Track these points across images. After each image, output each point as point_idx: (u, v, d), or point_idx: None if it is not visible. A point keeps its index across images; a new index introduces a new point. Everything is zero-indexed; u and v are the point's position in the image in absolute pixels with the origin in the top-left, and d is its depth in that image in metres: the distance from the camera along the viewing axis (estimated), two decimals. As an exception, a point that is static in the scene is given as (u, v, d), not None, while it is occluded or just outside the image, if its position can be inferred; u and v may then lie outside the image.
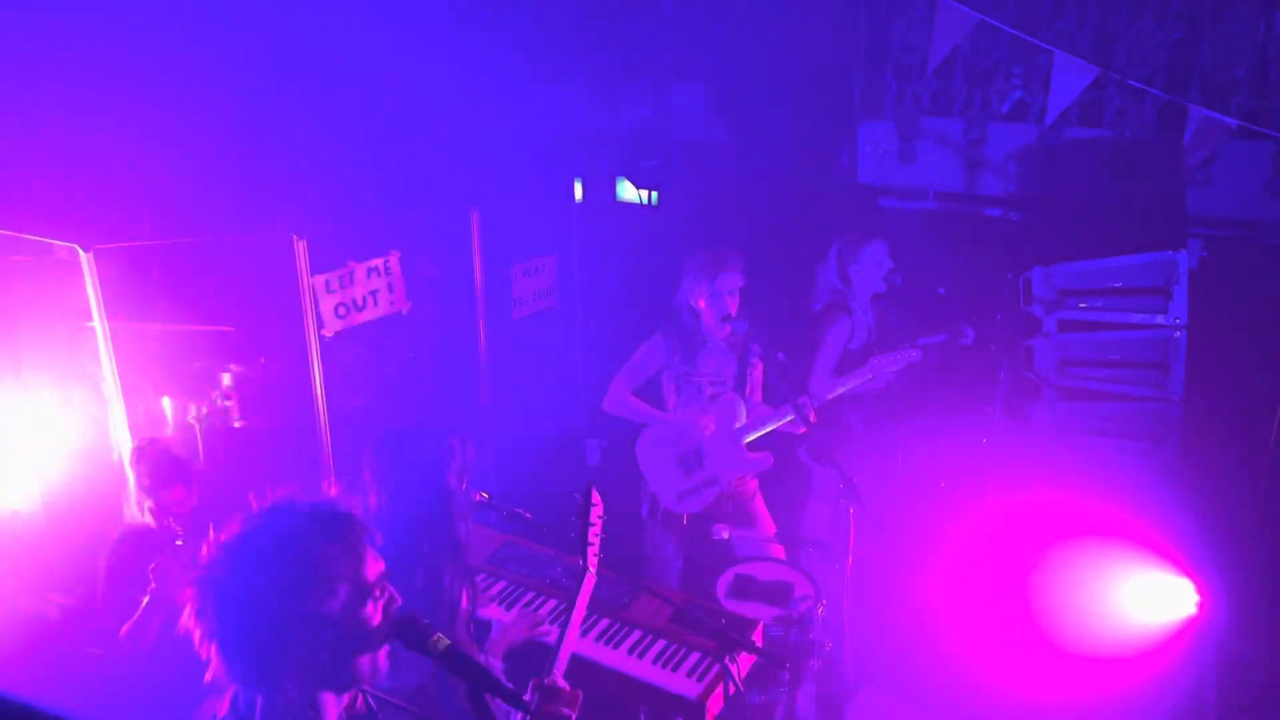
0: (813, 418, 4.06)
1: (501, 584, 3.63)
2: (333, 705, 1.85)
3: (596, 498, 2.80)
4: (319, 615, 1.78)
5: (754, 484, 4.39)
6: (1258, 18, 4.68)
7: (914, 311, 4.93)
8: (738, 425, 4.20)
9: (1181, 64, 4.88)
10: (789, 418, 4.09)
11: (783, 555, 4.30)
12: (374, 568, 1.87)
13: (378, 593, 1.86)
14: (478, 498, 3.24)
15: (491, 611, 3.47)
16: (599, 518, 2.80)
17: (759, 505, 4.40)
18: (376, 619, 1.86)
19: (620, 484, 4.27)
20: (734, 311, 4.07)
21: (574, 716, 2.25)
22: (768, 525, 4.37)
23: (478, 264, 5.54)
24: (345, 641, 1.81)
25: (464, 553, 2.78)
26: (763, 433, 4.21)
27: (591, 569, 2.70)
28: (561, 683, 2.31)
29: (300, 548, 1.80)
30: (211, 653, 1.75)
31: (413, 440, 2.84)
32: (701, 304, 4.07)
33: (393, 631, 1.93)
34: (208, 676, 1.77)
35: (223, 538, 1.81)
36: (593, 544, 2.74)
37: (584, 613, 2.66)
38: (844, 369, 4.49)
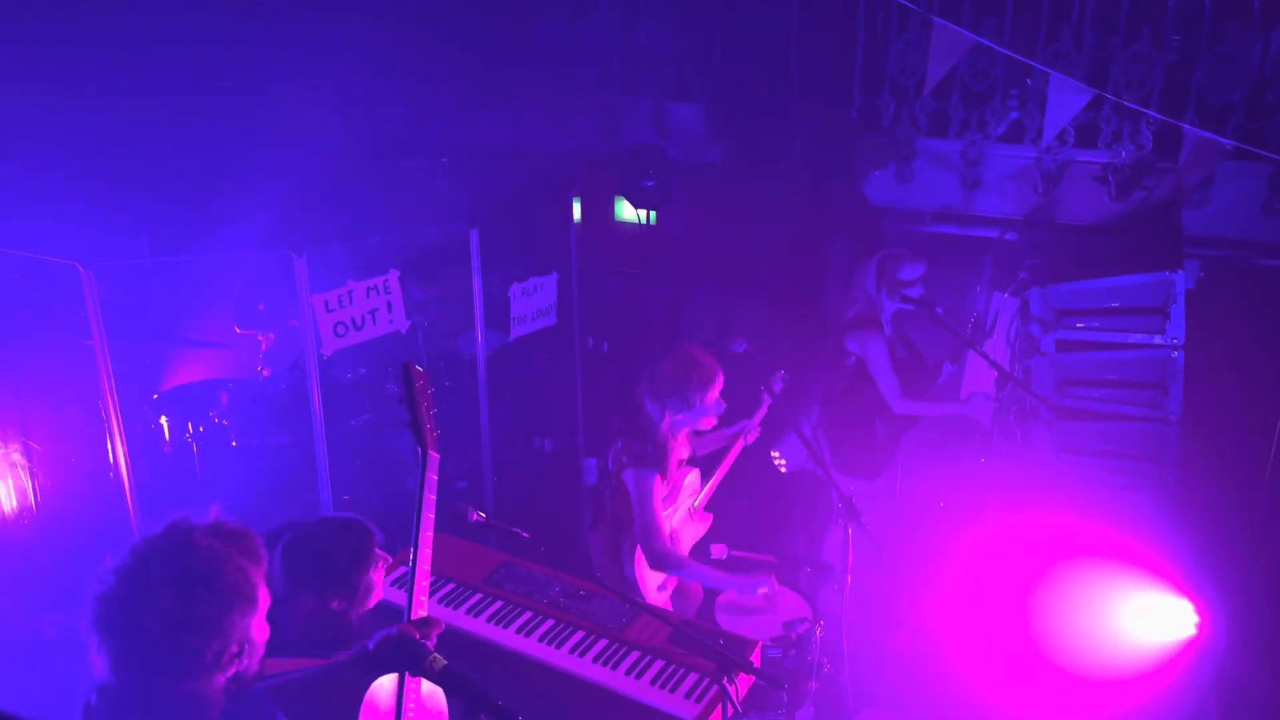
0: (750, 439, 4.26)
1: (499, 603, 3.62)
2: (219, 696, 1.91)
3: (417, 372, 2.65)
4: (239, 627, 1.87)
5: None
6: (1254, 40, 4.71)
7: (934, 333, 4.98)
8: (697, 502, 4.21)
9: (1177, 86, 4.91)
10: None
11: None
12: (265, 602, 1.98)
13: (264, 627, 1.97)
14: (475, 517, 3.23)
15: (489, 631, 3.46)
16: (426, 392, 2.64)
17: None
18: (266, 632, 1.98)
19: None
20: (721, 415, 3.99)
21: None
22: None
23: (477, 282, 5.55)
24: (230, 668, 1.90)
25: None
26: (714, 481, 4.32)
27: (434, 450, 2.58)
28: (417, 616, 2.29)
29: (219, 566, 1.87)
30: (102, 660, 1.81)
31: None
32: (683, 418, 3.83)
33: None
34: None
35: (124, 558, 1.88)
36: (427, 423, 2.60)
37: (434, 510, 2.50)
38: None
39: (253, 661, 1.93)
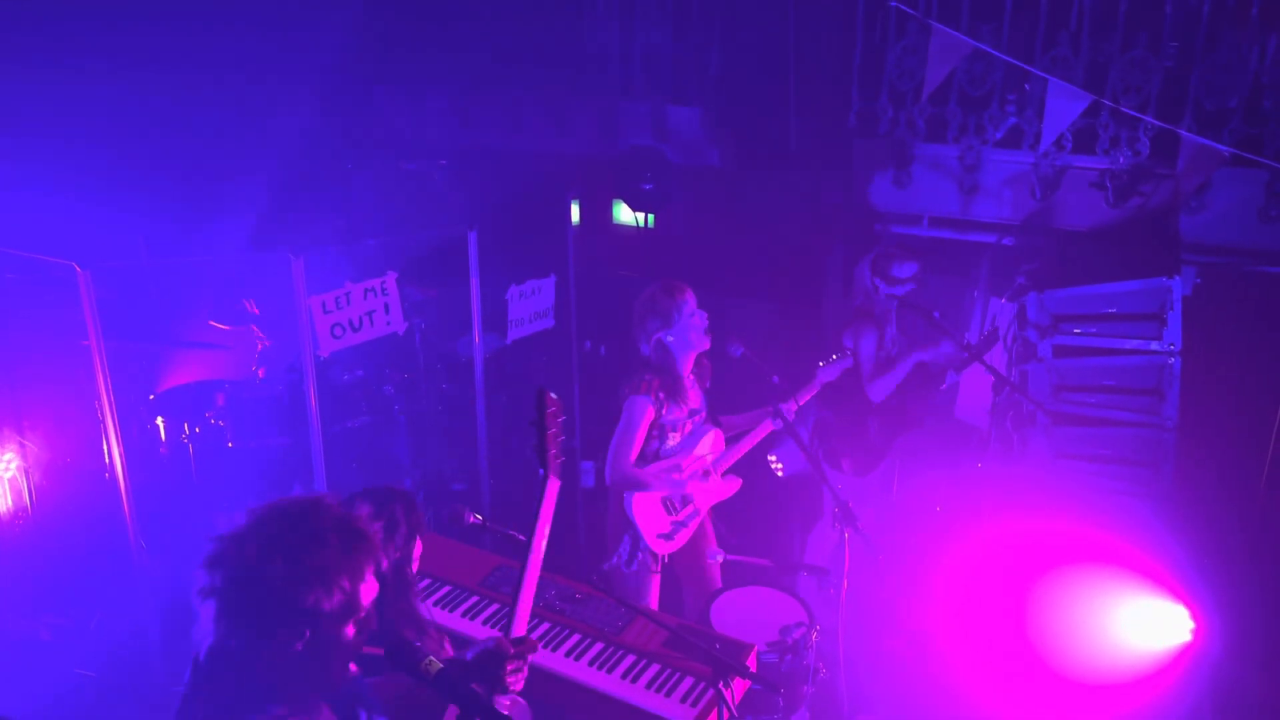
0: (786, 420, 4.18)
1: (494, 606, 3.61)
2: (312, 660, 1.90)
3: (551, 398, 2.68)
4: (311, 610, 1.84)
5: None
6: (1250, 46, 4.72)
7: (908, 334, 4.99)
8: (717, 456, 4.22)
9: (1174, 92, 4.92)
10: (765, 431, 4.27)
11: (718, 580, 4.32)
12: (369, 591, 1.93)
13: (363, 615, 1.93)
14: (472, 520, 3.24)
15: (485, 634, 3.45)
16: (556, 419, 2.68)
17: (710, 526, 4.42)
18: (351, 636, 1.93)
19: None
20: (707, 330, 4.06)
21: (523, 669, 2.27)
22: (714, 543, 4.36)
23: (475, 284, 5.55)
24: (318, 646, 1.88)
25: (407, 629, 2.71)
26: (739, 455, 4.30)
27: (555, 476, 2.62)
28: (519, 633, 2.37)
29: (317, 546, 1.87)
30: (208, 609, 1.83)
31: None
32: (673, 339, 3.99)
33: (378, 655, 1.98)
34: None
35: (252, 511, 1.90)
36: (552, 448, 2.64)
37: (546, 536, 2.54)
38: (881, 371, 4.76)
39: (356, 633, 1.93)
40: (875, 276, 4.82)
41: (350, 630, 1.92)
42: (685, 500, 4.16)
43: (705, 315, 4.05)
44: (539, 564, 2.52)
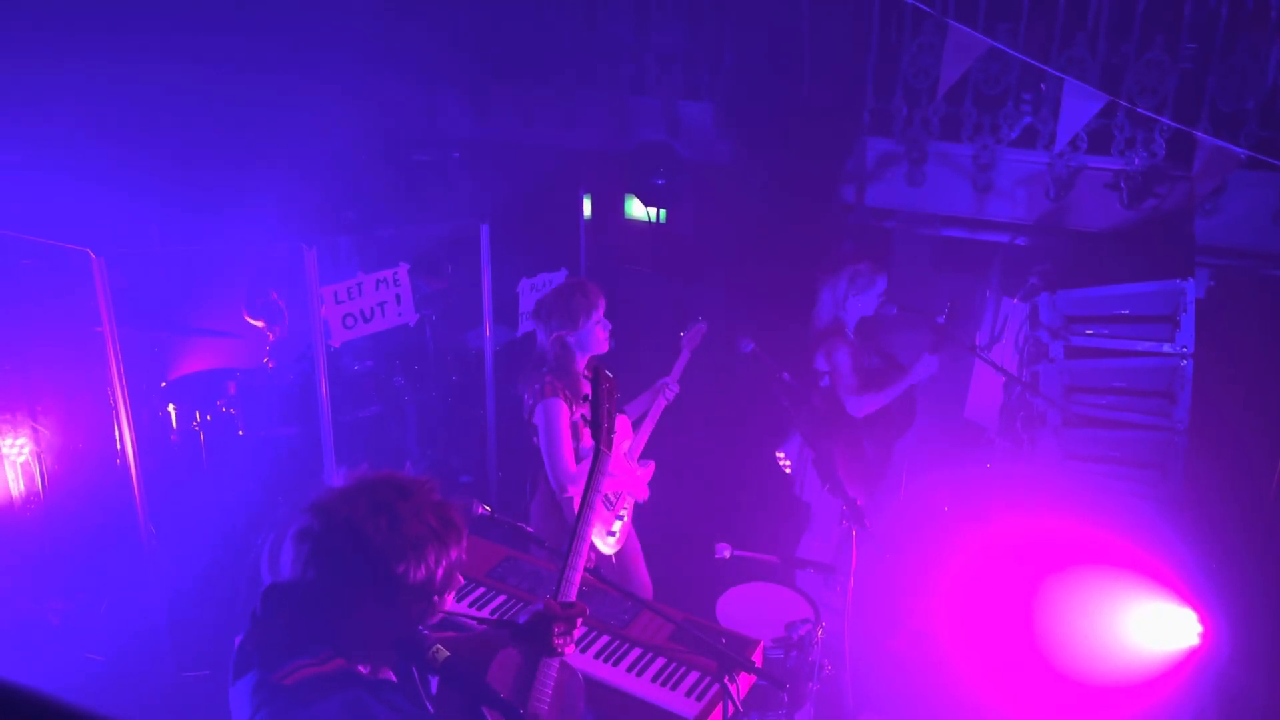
0: (670, 396, 4.25)
1: (501, 598, 3.62)
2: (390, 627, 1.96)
3: (606, 375, 2.76)
4: (398, 578, 1.88)
5: None
6: (1267, 49, 4.69)
7: (906, 336, 4.95)
8: (629, 443, 4.20)
9: (1191, 93, 4.90)
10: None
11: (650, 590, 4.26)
12: (448, 582, 1.98)
13: (435, 600, 1.97)
14: (480, 511, 3.24)
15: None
16: (611, 394, 2.75)
17: (631, 524, 4.35)
18: (419, 613, 1.98)
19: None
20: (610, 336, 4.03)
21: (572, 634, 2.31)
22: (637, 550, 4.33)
23: (486, 277, 5.56)
24: (390, 612, 1.92)
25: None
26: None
27: (605, 447, 2.69)
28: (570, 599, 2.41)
29: (417, 521, 1.91)
30: (301, 552, 1.86)
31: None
32: (574, 340, 3.94)
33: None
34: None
35: (372, 475, 1.97)
36: (605, 422, 2.71)
37: (595, 506, 2.61)
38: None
39: (424, 613, 1.99)
40: (852, 296, 4.67)
41: (420, 608, 1.97)
42: (617, 493, 4.11)
43: (609, 325, 4.01)
44: (590, 533, 2.60)
